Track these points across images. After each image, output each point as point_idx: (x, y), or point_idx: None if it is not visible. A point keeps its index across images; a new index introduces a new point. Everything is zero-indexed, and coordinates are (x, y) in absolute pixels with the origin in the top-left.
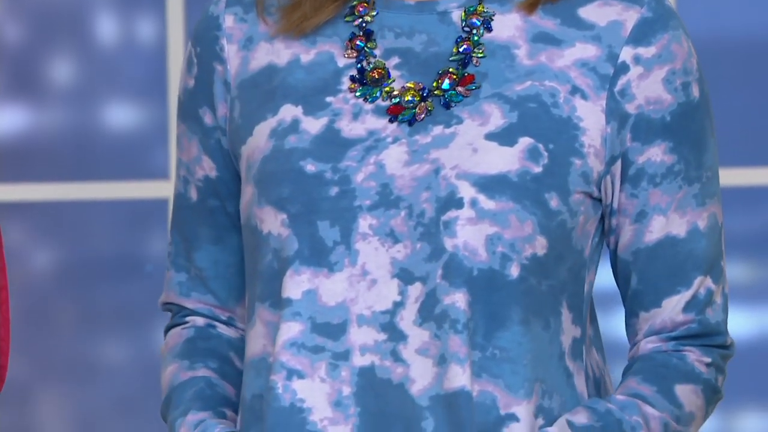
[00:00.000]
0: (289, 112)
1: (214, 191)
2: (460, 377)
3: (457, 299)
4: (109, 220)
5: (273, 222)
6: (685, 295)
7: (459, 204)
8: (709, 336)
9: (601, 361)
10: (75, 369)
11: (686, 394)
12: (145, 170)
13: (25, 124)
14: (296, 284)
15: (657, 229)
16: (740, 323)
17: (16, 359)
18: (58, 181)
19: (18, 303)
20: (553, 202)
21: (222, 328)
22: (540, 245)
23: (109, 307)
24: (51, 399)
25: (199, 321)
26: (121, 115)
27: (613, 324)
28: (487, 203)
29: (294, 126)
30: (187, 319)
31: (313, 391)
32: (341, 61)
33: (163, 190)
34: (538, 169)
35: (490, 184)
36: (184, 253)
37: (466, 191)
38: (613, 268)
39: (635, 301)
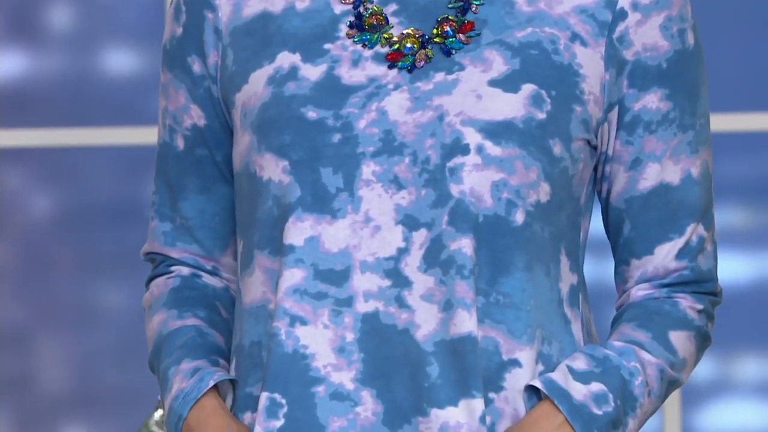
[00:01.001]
0: (286, 59)
1: (202, 140)
2: (466, 323)
3: (464, 245)
4: (108, 165)
5: (274, 169)
6: (678, 243)
7: (465, 150)
8: (701, 283)
9: (588, 310)
10: (74, 314)
11: (680, 340)
12: (144, 116)
13: (24, 70)
14: (299, 231)
15: (651, 176)
16: (738, 268)
17: (16, 304)
18: (56, 126)
19: (17, 248)
20: (557, 148)
21: (207, 278)
22: (544, 192)
23: (107, 253)
24: (50, 343)
25: (184, 270)
26: (119, 61)
27: (599, 272)
28: (493, 149)
29: (293, 73)
30: (172, 268)
31: (316, 338)
32: (338, 8)
33: None
34: (542, 116)
35: (496, 131)
36: (170, 203)
37: (472, 137)
38: (604, 217)
39: (627, 248)
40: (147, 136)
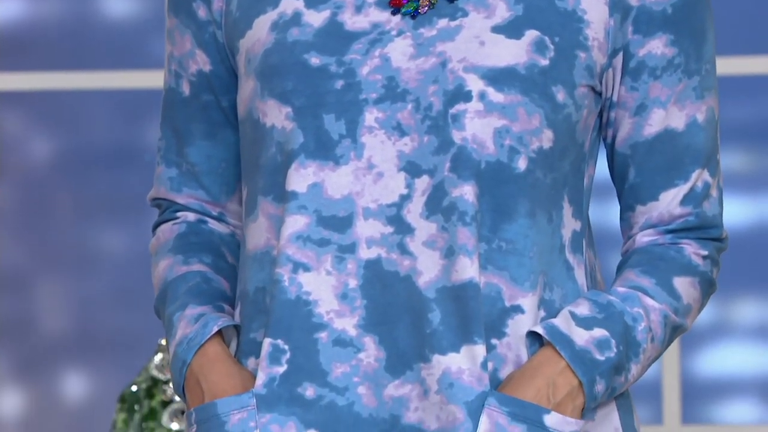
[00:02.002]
0: (289, 4)
1: (207, 86)
2: (468, 269)
3: (466, 191)
4: (107, 109)
5: (277, 115)
6: (682, 188)
7: (467, 97)
8: (706, 229)
9: (593, 256)
10: (73, 257)
11: (684, 286)
12: (144, 60)
13: (24, 13)
14: (301, 177)
15: (656, 122)
16: (739, 212)
17: (16, 247)
18: (56, 70)
19: (16, 192)
20: (560, 95)
21: (213, 224)
22: (546, 138)
23: (107, 196)
24: (50, 287)
25: (190, 216)
26: (119, 4)
27: (606, 216)
28: (495, 96)
29: (296, 19)
30: (178, 214)
31: (319, 284)
32: None
33: (162, 80)
34: (545, 62)
35: (498, 77)
36: (176, 149)
37: (475, 84)
38: (609, 163)
39: (632, 194)
40: (147, 79)
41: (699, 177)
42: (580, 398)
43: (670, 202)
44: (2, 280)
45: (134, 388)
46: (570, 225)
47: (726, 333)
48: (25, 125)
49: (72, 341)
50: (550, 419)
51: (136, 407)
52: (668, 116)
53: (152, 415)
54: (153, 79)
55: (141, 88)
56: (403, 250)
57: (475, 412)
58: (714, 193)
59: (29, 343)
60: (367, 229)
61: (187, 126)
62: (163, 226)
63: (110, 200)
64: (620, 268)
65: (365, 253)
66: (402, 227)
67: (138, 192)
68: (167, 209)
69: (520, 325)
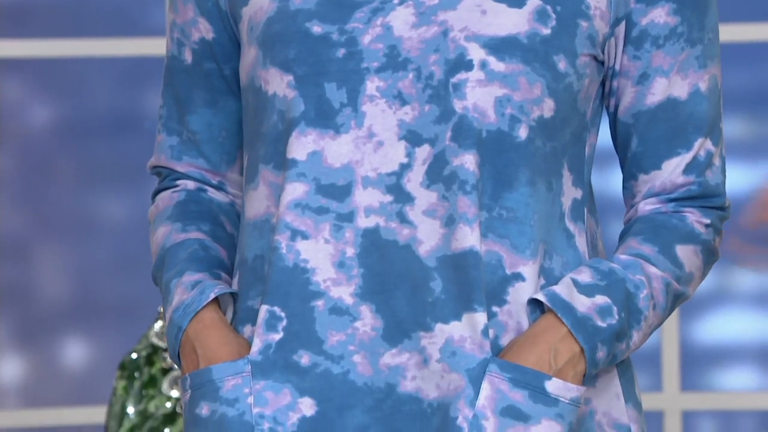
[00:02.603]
0: None
1: (210, 54)
2: (468, 237)
3: (467, 160)
4: (108, 76)
5: (278, 83)
6: (685, 157)
7: (468, 66)
8: (708, 197)
9: (594, 224)
10: (73, 225)
11: (687, 254)
12: (144, 27)
13: None
14: (302, 145)
15: (659, 91)
16: (738, 179)
17: (15, 214)
18: (57, 37)
19: (16, 159)
20: (561, 64)
21: (213, 193)
22: (547, 107)
23: (107, 164)
24: (50, 254)
25: (190, 185)
26: None
27: (608, 185)
28: (497, 65)
29: None
30: (178, 182)
31: (317, 252)
32: None
33: (162, 47)
34: (546, 31)
35: (499, 46)
36: (177, 117)
37: (476, 53)
38: (612, 132)
39: (635, 163)
40: (147, 47)
41: (702, 146)
42: (581, 365)
43: (672, 170)
44: (3, 247)
45: (134, 355)
46: (570, 193)
47: (725, 300)
48: (26, 92)
49: (72, 308)
50: (552, 385)
51: (136, 374)
52: (671, 85)
53: (152, 382)
54: (154, 47)
55: (142, 56)
56: (403, 218)
57: (476, 379)
58: (717, 161)
59: (30, 310)
60: (365, 197)
61: (188, 94)
62: (163, 194)
63: (110, 167)
64: (623, 237)
65: (363, 222)
66: (401, 196)
67: (138, 159)
68: (167, 177)
69: (520, 293)
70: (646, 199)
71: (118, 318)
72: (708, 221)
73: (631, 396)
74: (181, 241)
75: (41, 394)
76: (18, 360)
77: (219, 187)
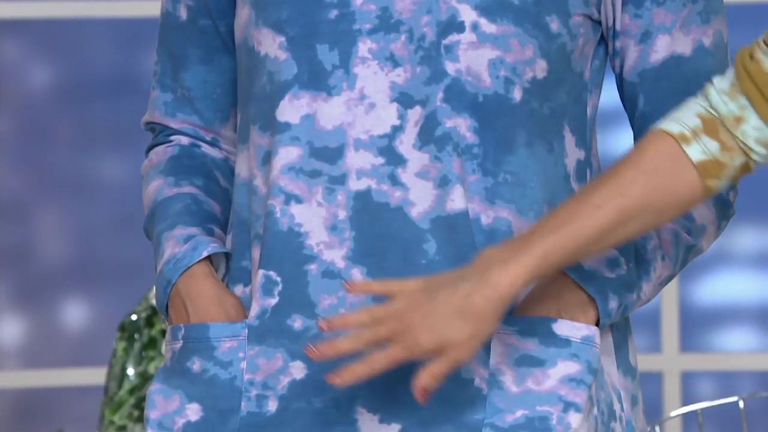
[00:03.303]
0: None
1: (205, 10)
2: (461, 199)
3: (459, 123)
4: (107, 37)
5: (271, 44)
6: None
7: (460, 28)
8: None
9: None
10: (73, 186)
11: (698, 207)
12: None
13: None
14: (294, 108)
15: (662, 48)
16: None
17: (15, 175)
18: None
19: (16, 120)
20: (554, 24)
21: (206, 148)
22: (540, 68)
23: (106, 125)
24: (49, 215)
25: (184, 140)
26: None
27: (612, 144)
28: (488, 27)
29: None
30: (171, 138)
31: (310, 216)
32: None
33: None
34: None
35: (491, 8)
36: (171, 73)
37: (467, 15)
38: (620, 92)
39: (643, 122)
40: (146, 8)
41: None
42: (591, 312)
43: None
44: (2, 208)
45: (134, 317)
46: (573, 154)
47: (724, 261)
48: (25, 53)
49: (72, 269)
50: (559, 327)
51: (136, 336)
52: (674, 42)
53: (152, 344)
54: (153, 8)
55: (141, 17)
56: (395, 181)
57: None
58: None
59: (30, 272)
60: (357, 160)
61: (183, 51)
62: (156, 149)
63: (110, 128)
64: None
65: (355, 185)
66: (393, 158)
67: (137, 120)
68: (161, 133)
69: None
70: None
71: (118, 279)
72: None
73: (622, 362)
74: (174, 195)
75: (41, 355)
76: (18, 321)
77: (213, 144)
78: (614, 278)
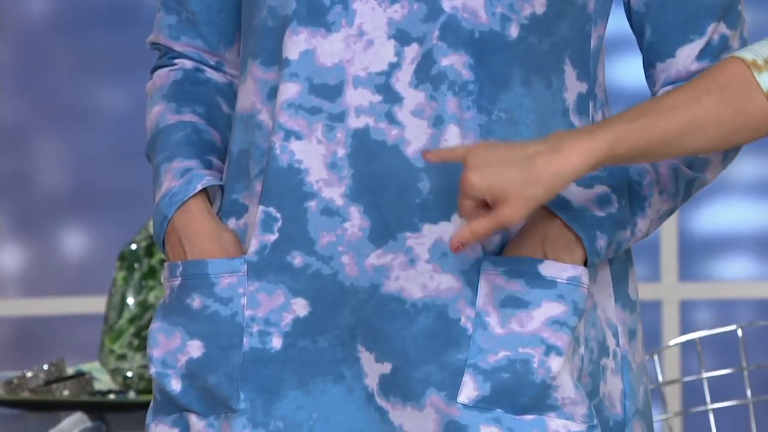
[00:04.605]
0: None
1: None
2: (455, 138)
3: (455, 61)
4: None
5: None
6: (698, 43)
7: None
8: None
9: (602, 117)
10: (73, 114)
11: None
12: None
13: None
14: (294, 44)
15: None
16: None
17: (14, 104)
18: None
19: (16, 48)
20: None
21: (210, 73)
22: (539, 3)
23: (106, 53)
24: (49, 143)
25: (188, 64)
26: None
27: (618, 72)
28: None
29: None
30: (176, 61)
31: (310, 153)
32: None
33: None
34: None
35: None
36: None
37: None
38: (628, 20)
39: (651, 52)
40: None
41: (715, 30)
42: (578, 252)
43: (686, 58)
44: (1, 137)
45: (134, 246)
46: (574, 88)
47: (723, 190)
48: None
49: (71, 198)
50: (545, 268)
51: (136, 265)
52: None
53: (152, 273)
54: None
55: None
56: (391, 119)
57: (472, 279)
58: (735, 44)
59: (29, 200)
60: (356, 97)
61: None
62: (160, 71)
63: (109, 57)
64: None
65: (354, 122)
66: (390, 96)
67: (137, 49)
68: (165, 55)
69: None
70: (664, 87)
71: (117, 208)
72: None
73: (621, 296)
74: (175, 122)
75: (41, 284)
76: (18, 249)
77: (217, 68)
78: (604, 216)
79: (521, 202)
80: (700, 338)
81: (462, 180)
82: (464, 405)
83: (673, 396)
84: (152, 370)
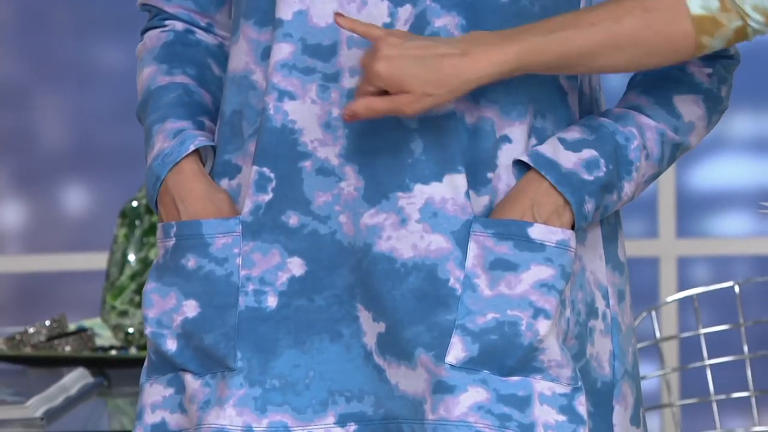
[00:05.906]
0: None
1: None
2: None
3: (448, 22)
4: None
5: None
6: None
7: None
8: None
9: (589, 80)
10: (73, 72)
11: (685, 103)
12: None
13: None
14: (287, 5)
15: None
16: None
17: (15, 62)
18: None
19: (16, 6)
20: None
21: (201, 34)
22: None
23: (107, 11)
24: (50, 101)
25: (179, 26)
26: None
27: None
28: None
29: None
30: (167, 22)
31: (304, 113)
32: None
33: None
34: None
35: None
36: None
37: None
38: None
39: None
40: None
41: None
42: (567, 215)
43: None
44: (2, 94)
45: (135, 203)
46: None
47: (721, 147)
48: None
49: (72, 155)
50: (534, 231)
51: (137, 223)
52: None
53: (153, 230)
54: None
55: None
56: None
57: (462, 240)
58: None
59: (30, 156)
60: (350, 58)
61: None
62: (151, 33)
63: (110, 15)
64: (625, 92)
65: (348, 83)
66: None
67: (137, 7)
68: (156, 16)
69: (508, 155)
70: None
71: (118, 165)
72: (710, 70)
73: (611, 257)
74: (166, 84)
75: (42, 240)
76: (19, 206)
77: (207, 29)
78: (592, 180)
79: (421, 98)
80: (698, 294)
81: (368, 66)
82: (452, 365)
83: (671, 352)
84: (147, 330)
